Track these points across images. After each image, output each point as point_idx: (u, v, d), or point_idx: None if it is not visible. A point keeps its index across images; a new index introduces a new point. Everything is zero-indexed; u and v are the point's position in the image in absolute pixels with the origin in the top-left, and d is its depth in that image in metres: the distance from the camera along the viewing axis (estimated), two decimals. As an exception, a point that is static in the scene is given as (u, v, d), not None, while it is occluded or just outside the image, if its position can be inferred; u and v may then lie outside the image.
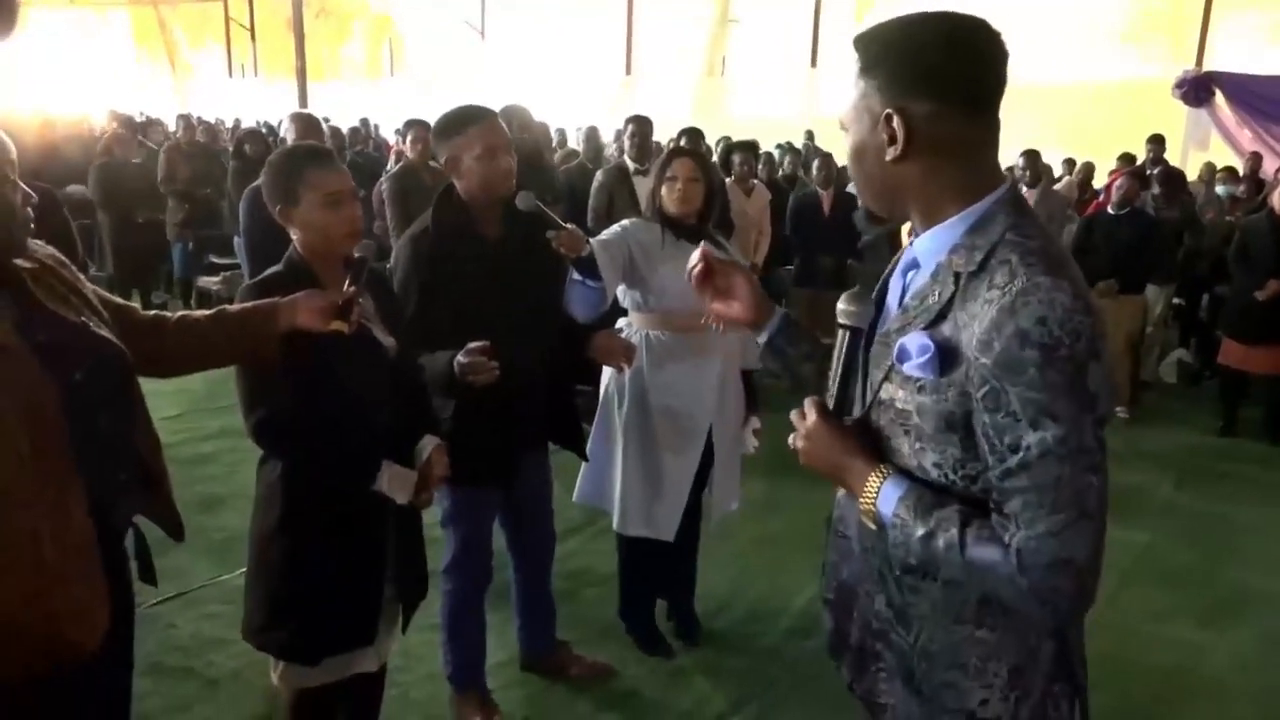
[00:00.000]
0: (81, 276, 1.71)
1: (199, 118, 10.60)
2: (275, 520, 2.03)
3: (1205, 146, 12.03)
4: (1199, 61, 12.48)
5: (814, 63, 15.63)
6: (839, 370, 1.35)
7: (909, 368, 1.21)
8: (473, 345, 2.31)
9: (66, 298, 1.63)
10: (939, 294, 1.21)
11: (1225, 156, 11.08)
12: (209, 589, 3.64)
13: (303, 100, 11.75)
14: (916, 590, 1.30)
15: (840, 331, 1.35)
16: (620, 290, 3.02)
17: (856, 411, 1.36)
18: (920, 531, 1.20)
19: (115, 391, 1.64)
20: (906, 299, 1.29)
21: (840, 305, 1.35)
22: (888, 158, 1.22)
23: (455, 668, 2.87)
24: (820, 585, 1.52)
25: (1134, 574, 4.01)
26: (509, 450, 2.67)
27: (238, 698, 3.00)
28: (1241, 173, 9.28)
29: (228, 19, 22.81)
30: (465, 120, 2.51)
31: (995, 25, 1.22)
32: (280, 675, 2.15)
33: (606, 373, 3.12)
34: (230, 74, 23.23)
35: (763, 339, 1.54)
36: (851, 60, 1.25)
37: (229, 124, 14.34)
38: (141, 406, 1.73)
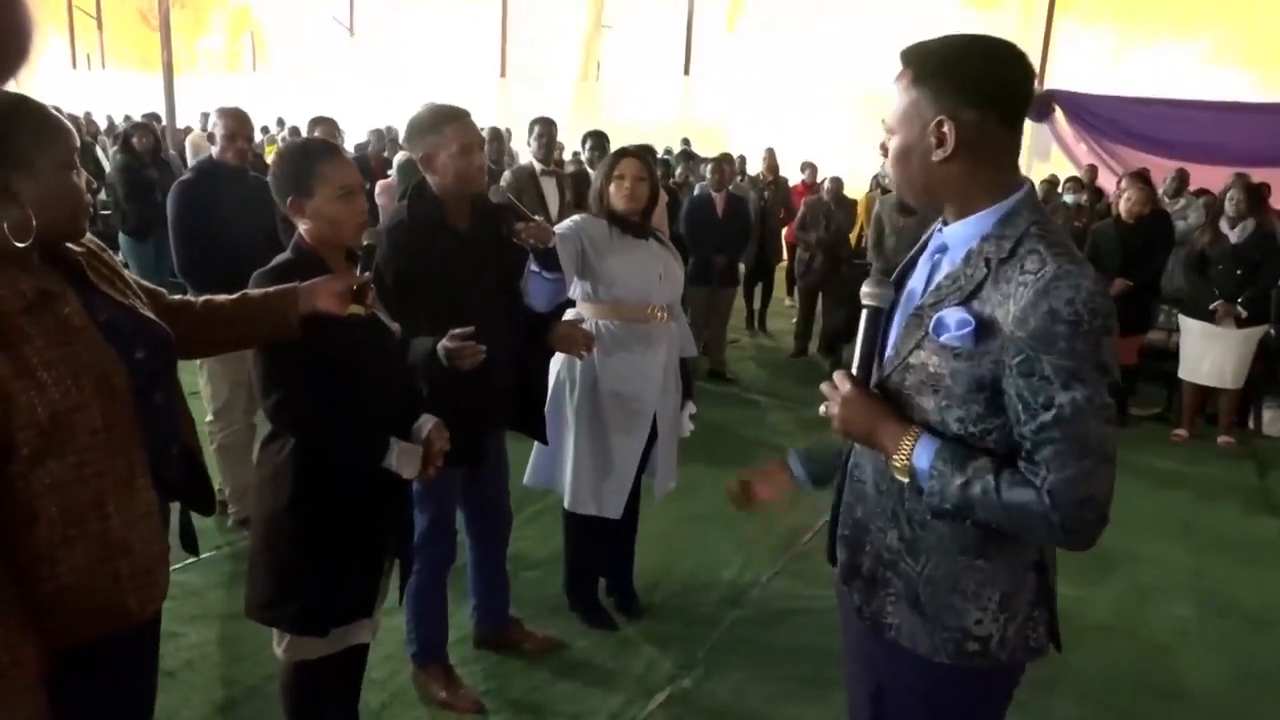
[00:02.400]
0: (119, 261, 1.78)
1: (70, 112, 10.10)
2: (286, 498, 2.11)
3: (1046, 158, 13.06)
4: (1040, 80, 13.51)
5: (687, 70, 16.06)
6: (863, 345, 1.57)
7: (947, 338, 1.42)
8: (457, 331, 2.44)
9: (113, 281, 1.71)
10: (971, 275, 1.43)
11: (1065, 168, 12.08)
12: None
13: (169, 94, 11.29)
14: (925, 526, 1.53)
15: (864, 311, 1.58)
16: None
17: (875, 379, 1.59)
18: (958, 481, 1.40)
19: (166, 370, 1.72)
20: (939, 279, 1.50)
21: (864, 289, 1.58)
22: (935, 159, 1.43)
23: (421, 644, 2.99)
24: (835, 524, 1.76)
25: (1016, 541, 4.45)
26: (477, 433, 2.81)
27: (197, 687, 3.02)
28: (1083, 182, 10.14)
29: (71, 6, 21.57)
30: (442, 119, 2.64)
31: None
32: (286, 648, 2.24)
33: (557, 361, 3.29)
34: (74, 65, 21.98)
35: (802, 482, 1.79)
36: (902, 72, 1.46)
37: (79, 117, 13.65)
38: (180, 385, 1.81)
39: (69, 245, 1.64)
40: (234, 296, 1.99)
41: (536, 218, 2.84)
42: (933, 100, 1.42)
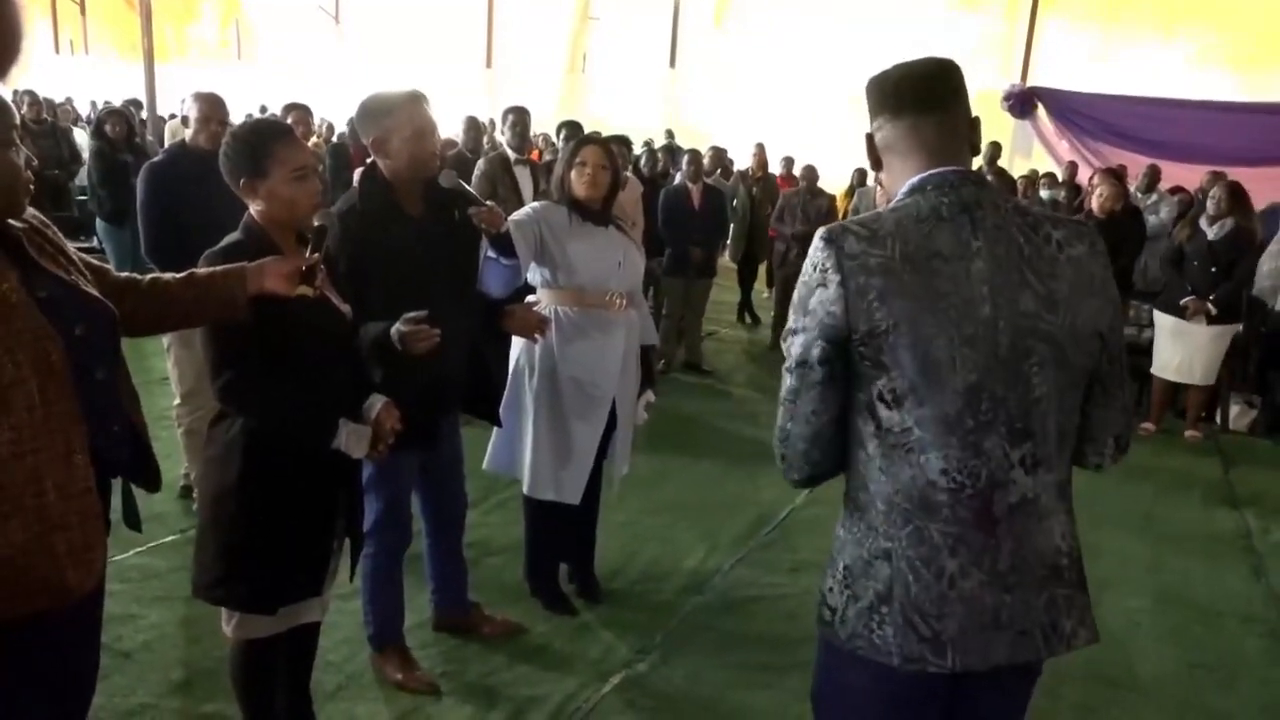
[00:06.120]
0: (63, 237, 1.79)
1: (45, 97, 10.06)
2: (234, 477, 2.13)
3: (1029, 154, 13.17)
4: (1023, 77, 13.59)
5: (673, 63, 16.07)
6: None
7: None
8: (410, 315, 2.45)
9: (55, 257, 1.71)
10: None
11: (1046, 163, 12.16)
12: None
13: (150, 81, 11.20)
14: None
15: None
16: (530, 268, 3.21)
17: None
18: None
19: (108, 347, 1.73)
20: None
21: None
22: (872, 170, 1.66)
23: (377, 627, 3.00)
24: None
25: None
26: (432, 416, 2.82)
27: (152, 667, 3.04)
28: (1061, 179, 10.21)
29: (54, -10, 21.45)
30: (395, 103, 2.65)
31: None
32: (234, 626, 2.26)
33: (516, 346, 3.31)
34: (57, 50, 21.83)
35: None
36: None
37: (59, 102, 13.58)
38: (124, 362, 1.82)
39: (10, 221, 1.65)
40: (181, 275, 1.99)
41: (488, 203, 2.85)
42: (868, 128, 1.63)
